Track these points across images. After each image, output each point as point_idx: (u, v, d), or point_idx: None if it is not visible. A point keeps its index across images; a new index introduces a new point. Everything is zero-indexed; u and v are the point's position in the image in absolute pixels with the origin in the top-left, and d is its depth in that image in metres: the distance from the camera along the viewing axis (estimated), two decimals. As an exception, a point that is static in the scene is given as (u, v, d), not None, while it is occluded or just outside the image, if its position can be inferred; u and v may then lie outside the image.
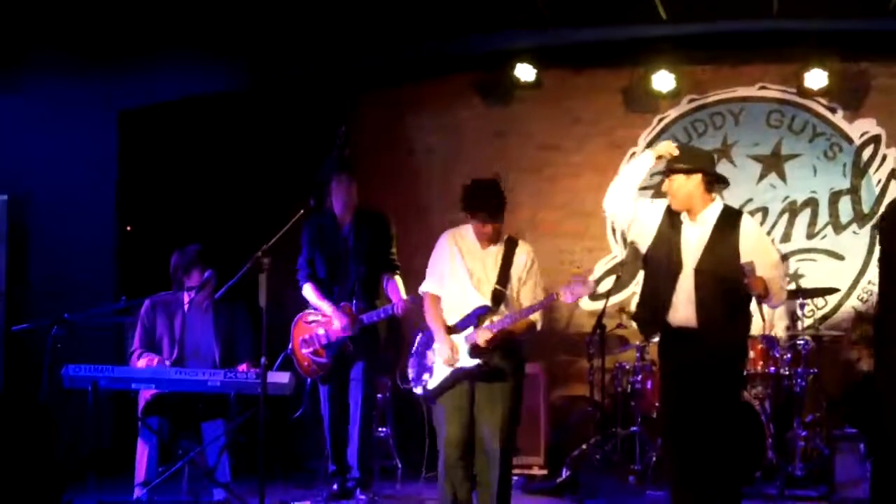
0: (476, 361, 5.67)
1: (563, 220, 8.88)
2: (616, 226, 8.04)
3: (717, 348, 5.43)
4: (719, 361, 5.44)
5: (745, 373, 6.28)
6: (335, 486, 6.98)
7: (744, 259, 5.38)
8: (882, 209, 6.35)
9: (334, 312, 6.88)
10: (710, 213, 5.55)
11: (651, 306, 5.68)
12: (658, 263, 5.62)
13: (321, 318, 6.96)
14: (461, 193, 5.80)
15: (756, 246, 5.48)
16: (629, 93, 8.81)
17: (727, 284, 5.41)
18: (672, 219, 5.61)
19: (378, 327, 6.94)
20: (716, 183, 5.61)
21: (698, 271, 5.46)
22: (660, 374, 6.08)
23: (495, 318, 5.70)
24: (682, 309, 5.49)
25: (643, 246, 5.70)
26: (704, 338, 5.43)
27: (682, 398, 5.52)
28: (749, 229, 5.53)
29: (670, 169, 5.56)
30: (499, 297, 5.73)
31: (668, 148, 5.59)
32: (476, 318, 5.72)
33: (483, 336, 5.64)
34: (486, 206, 5.70)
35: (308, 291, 7.04)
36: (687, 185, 5.52)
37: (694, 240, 5.53)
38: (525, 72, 8.65)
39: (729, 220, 5.53)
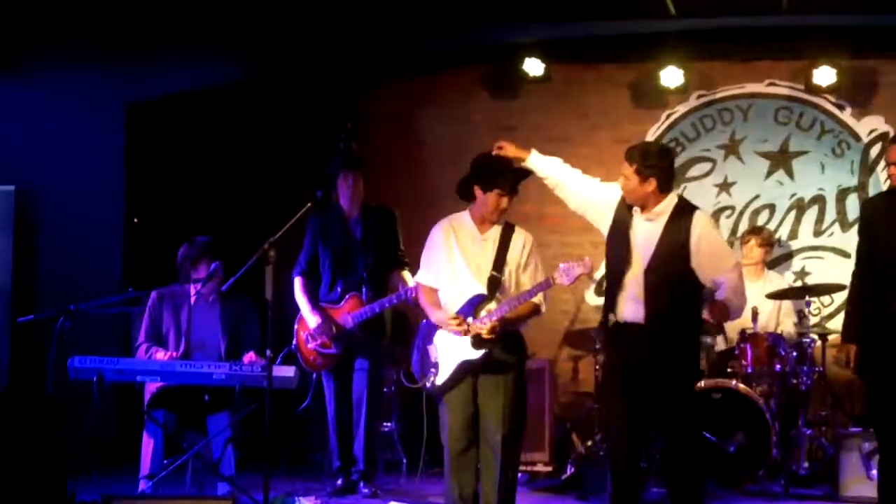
0: (481, 352, 5.55)
1: (569, 214, 8.73)
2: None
3: (664, 347, 5.32)
4: (667, 360, 5.33)
5: (699, 370, 6.13)
6: (340, 481, 6.99)
7: (693, 259, 5.26)
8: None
9: (310, 312, 6.87)
10: (663, 209, 5.39)
11: (606, 299, 5.54)
12: (611, 256, 5.50)
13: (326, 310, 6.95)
14: (473, 169, 5.70)
15: (706, 246, 5.31)
16: (637, 88, 8.78)
17: (675, 283, 5.29)
18: (625, 210, 5.47)
19: (384, 319, 6.93)
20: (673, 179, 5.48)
21: (647, 270, 5.31)
22: (604, 367, 5.92)
23: (492, 307, 5.59)
24: (630, 305, 5.36)
25: (603, 231, 5.59)
26: (652, 335, 5.31)
27: (630, 396, 5.39)
28: (700, 228, 5.32)
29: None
30: (495, 283, 5.60)
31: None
32: (473, 307, 5.60)
33: (485, 327, 5.52)
34: (506, 176, 5.62)
35: (295, 285, 7.01)
36: (643, 188, 5.36)
37: (645, 236, 5.38)
38: (533, 66, 8.65)
39: (680, 217, 5.35)
